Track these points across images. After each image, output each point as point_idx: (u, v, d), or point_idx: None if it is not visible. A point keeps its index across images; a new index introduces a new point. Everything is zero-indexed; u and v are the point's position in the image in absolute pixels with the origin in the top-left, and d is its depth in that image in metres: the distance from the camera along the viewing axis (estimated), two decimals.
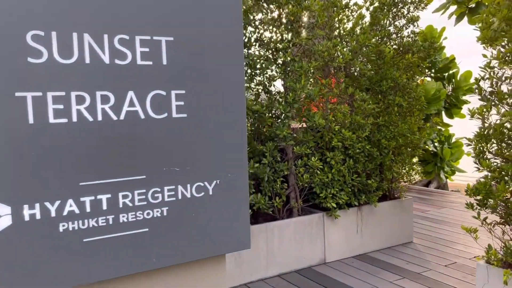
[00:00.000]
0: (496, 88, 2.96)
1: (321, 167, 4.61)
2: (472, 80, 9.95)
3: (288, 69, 4.41)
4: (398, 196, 5.37)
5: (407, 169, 5.25)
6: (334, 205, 4.68)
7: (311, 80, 4.54)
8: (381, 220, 5.20)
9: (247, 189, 1.66)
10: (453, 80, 10.09)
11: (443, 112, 10.22)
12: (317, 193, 4.66)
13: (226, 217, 1.65)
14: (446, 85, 10.13)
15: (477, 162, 3.16)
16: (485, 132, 3.02)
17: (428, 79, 10.38)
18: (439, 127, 10.21)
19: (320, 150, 4.80)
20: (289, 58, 4.37)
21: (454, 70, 10.12)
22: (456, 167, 10.22)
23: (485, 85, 3.05)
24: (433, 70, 10.14)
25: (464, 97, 10.09)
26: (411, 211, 5.47)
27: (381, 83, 5.03)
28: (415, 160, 5.56)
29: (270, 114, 4.54)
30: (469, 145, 3.22)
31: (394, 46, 5.49)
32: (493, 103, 2.98)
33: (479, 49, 3.13)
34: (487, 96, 3.00)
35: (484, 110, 2.98)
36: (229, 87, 1.65)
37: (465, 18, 9.21)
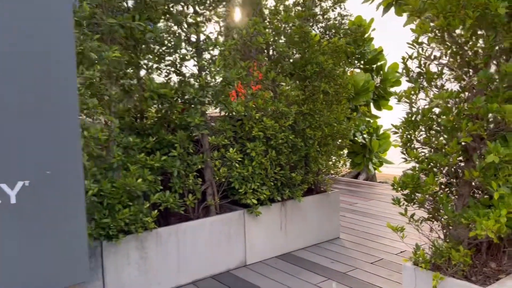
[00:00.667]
0: (424, 68, 2.63)
1: (241, 159, 4.12)
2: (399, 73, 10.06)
3: (203, 47, 3.86)
4: (325, 189, 5.05)
5: (333, 160, 4.93)
6: (255, 202, 4.22)
7: (229, 61, 4.04)
8: (307, 216, 4.83)
9: (82, 192, 1.11)
10: (381, 72, 10.11)
11: (371, 104, 10.22)
12: (236, 188, 4.18)
13: (44, 237, 1.09)
14: (375, 76, 10.12)
15: (404, 151, 2.83)
16: (413, 118, 2.68)
17: (357, 70, 10.32)
18: (367, 119, 10.19)
19: (240, 141, 4.32)
20: (202, 36, 3.83)
21: (382, 62, 10.13)
22: (384, 159, 10.27)
23: (413, 65, 2.72)
24: (362, 62, 10.08)
25: (391, 89, 10.14)
26: (338, 205, 5.17)
27: (306, 68, 4.64)
28: (343, 152, 5.25)
29: (182, 100, 3.97)
30: (396, 133, 2.88)
31: (321, 29, 5.15)
32: (421, 85, 2.65)
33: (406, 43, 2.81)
34: (415, 78, 2.66)
35: (412, 93, 2.64)
36: (46, 47, 1.08)
37: (393, 9, 9.19)
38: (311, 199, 4.85)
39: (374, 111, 10.40)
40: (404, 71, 2.69)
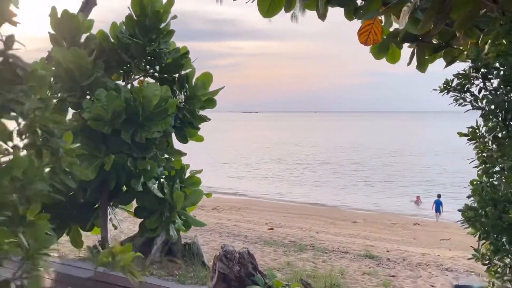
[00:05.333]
0: None
1: None
2: (213, 88, 6.67)
3: None
4: None
5: None
6: None
7: None
8: None
9: None
10: (187, 85, 6.60)
11: (173, 134, 6.58)
12: None
13: None
14: (177, 92, 6.55)
15: None
16: None
17: (150, 80, 6.58)
18: (166, 156, 6.52)
19: None
20: None
21: (188, 71, 6.64)
22: (191, 218, 6.70)
23: None
24: (156, 67, 6.36)
25: (202, 112, 6.73)
26: None
27: None
28: None
29: None
30: None
31: None
32: None
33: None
34: None
35: None
36: None
37: None
38: None
39: (176, 143, 6.82)
40: None
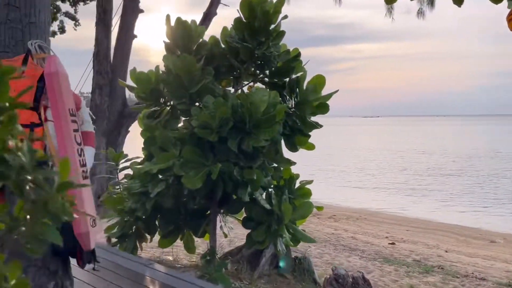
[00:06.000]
0: None
1: None
2: (327, 91, 6.15)
3: None
4: None
5: None
6: None
7: None
8: None
9: None
10: (298, 90, 6.18)
11: (282, 141, 6.21)
12: None
13: None
14: (287, 97, 6.17)
15: None
16: None
17: (260, 85, 6.32)
18: (273, 165, 6.17)
19: None
20: None
21: (299, 74, 6.23)
22: (301, 233, 6.24)
23: None
24: (266, 71, 6.06)
25: (313, 118, 6.25)
26: None
27: None
28: None
29: None
30: None
31: None
32: None
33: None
34: None
35: None
36: None
37: None
38: None
39: (285, 151, 6.45)
40: None
